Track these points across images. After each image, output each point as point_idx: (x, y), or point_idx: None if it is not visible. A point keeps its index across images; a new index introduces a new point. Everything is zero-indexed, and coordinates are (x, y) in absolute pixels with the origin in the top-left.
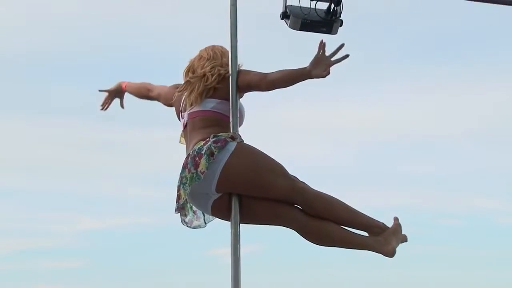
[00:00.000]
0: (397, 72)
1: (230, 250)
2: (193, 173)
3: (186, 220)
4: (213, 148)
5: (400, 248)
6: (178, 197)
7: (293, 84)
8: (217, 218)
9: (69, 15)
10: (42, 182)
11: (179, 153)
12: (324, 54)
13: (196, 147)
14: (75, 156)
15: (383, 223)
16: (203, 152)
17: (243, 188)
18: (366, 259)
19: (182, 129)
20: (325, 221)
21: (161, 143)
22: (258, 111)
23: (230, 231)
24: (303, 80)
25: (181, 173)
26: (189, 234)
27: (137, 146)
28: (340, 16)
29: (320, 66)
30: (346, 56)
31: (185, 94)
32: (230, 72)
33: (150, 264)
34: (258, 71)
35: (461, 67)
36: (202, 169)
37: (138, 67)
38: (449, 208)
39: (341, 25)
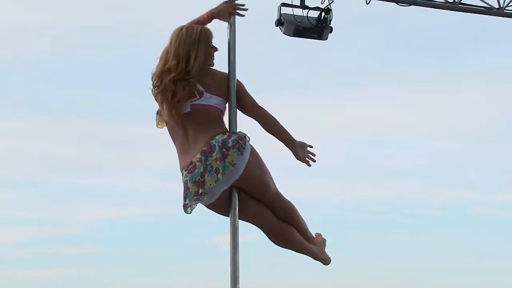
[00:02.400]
0: (382, 75)
1: (229, 238)
2: (223, 162)
3: (186, 202)
4: (241, 143)
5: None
6: (203, 183)
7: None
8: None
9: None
10: (61, 176)
11: None
12: (309, 151)
13: (219, 138)
14: (92, 152)
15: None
16: (229, 145)
17: (250, 184)
18: (355, 245)
19: (174, 113)
20: (290, 226)
21: (169, 139)
22: None
23: (229, 220)
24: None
25: (204, 160)
26: (191, 223)
27: (148, 141)
28: (330, 23)
29: (303, 152)
30: (309, 164)
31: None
32: (229, 74)
33: (157, 250)
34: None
35: (441, 72)
36: (233, 160)
37: (140, 69)
38: (428, 199)
39: (331, 32)
